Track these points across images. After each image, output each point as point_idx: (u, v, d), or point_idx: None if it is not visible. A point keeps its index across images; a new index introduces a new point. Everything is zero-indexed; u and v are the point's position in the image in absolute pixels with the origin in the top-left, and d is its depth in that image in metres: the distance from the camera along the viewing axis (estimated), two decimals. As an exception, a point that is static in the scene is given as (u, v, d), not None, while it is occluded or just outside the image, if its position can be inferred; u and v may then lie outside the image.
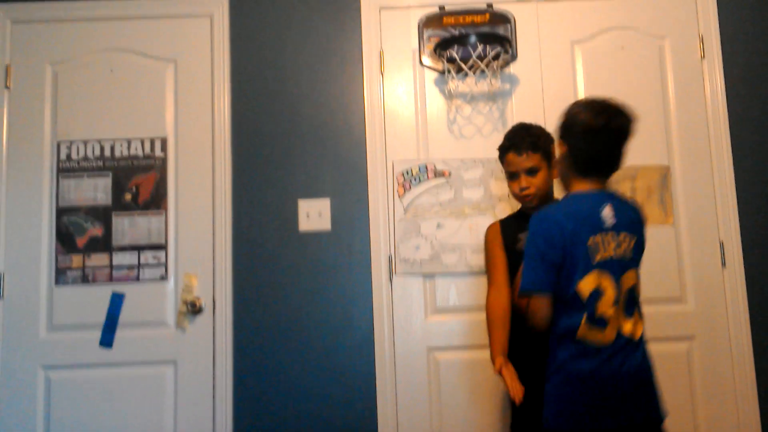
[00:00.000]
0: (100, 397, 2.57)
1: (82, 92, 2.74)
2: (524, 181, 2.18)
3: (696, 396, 2.61)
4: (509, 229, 2.27)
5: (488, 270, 2.26)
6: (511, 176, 2.22)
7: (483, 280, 2.64)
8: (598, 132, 1.73)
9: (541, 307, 1.72)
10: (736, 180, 2.71)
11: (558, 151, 1.81)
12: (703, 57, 2.79)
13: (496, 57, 2.66)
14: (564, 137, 1.78)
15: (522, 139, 2.19)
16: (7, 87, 2.73)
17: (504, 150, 2.24)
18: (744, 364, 2.61)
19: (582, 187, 1.77)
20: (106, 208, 2.68)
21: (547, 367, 1.75)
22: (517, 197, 2.23)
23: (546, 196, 2.21)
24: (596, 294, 1.68)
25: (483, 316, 2.62)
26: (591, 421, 1.65)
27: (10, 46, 2.76)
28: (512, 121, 2.75)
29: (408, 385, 2.62)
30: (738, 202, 2.69)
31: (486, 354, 2.62)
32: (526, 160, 2.17)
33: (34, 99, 2.74)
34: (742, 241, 2.67)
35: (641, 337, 1.75)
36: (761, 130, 2.75)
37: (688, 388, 2.61)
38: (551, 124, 2.72)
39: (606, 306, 1.68)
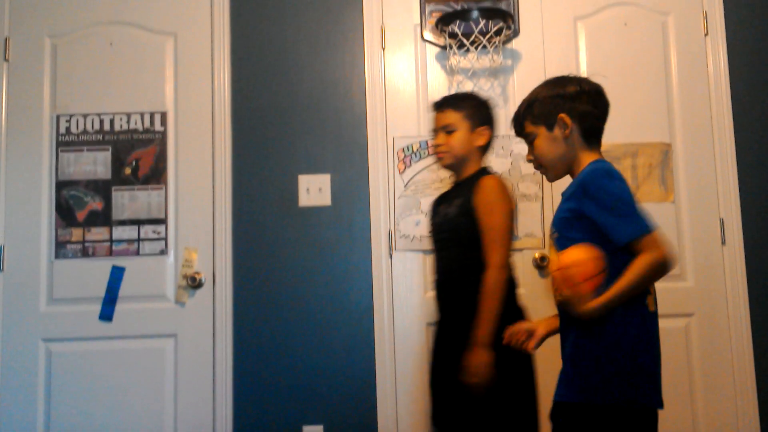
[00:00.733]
0: (101, 369, 2.58)
1: (81, 66, 2.73)
2: (439, 137, 2.13)
3: (694, 372, 2.63)
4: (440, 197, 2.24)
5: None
6: (434, 133, 2.18)
7: (483, 256, 2.65)
8: (603, 94, 1.71)
9: (662, 242, 1.54)
10: (737, 158, 2.70)
11: (559, 129, 1.69)
12: (706, 34, 2.77)
13: (498, 32, 2.64)
14: (570, 108, 1.68)
15: (446, 98, 2.21)
16: (6, 60, 2.72)
17: (432, 110, 2.21)
18: (742, 340, 2.62)
19: (594, 158, 1.69)
20: (106, 182, 2.67)
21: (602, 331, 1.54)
22: (434, 157, 2.23)
23: (461, 160, 2.11)
24: None
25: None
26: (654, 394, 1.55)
27: (8, 19, 2.73)
28: (514, 97, 2.74)
29: (407, 360, 2.63)
30: (739, 180, 2.69)
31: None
32: (445, 118, 2.12)
33: (33, 72, 2.72)
34: (743, 219, 2.67)
35: None
36: (764, 107, 2.74)
37: (686, 365, 2.63)
38: (553, 100, 2.72)
39: None
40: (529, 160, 1.75)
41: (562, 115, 1.67)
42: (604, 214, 1.56)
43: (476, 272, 1.98)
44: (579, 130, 1.68)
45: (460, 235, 2.06)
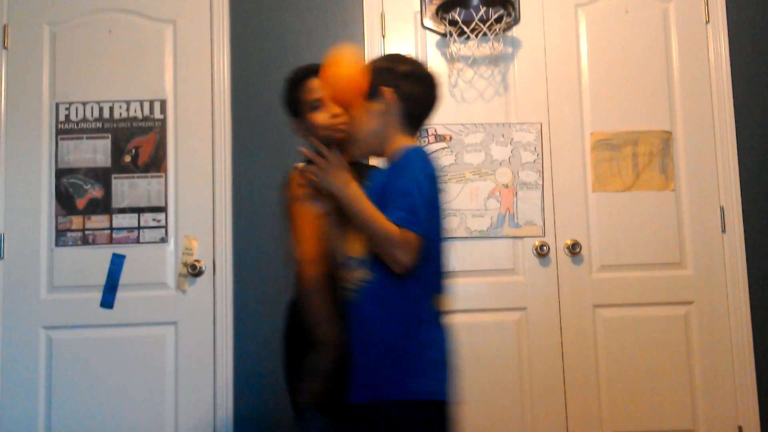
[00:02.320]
0: (102, 356, 2.59)
1: (80, 53, 2.72)
2: (335, 108, 1.77)
3: (693, 359, 2.63)
4: None
5: (299, 227, 1.81)
6: (314, 107, 1.85)
7: (483, 244, 2.65)
8: (435, 85, 1.61)
9: (416, 249, 1.44)
10: (737, 146, 2.69)
11: (378, 102, 1.56)
12: (707, 21, 2.76)
13: (498, 20, 2.63)
14: (397, 84, 1.56)
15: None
16: (4, 47, 2.71)
17: (302, 76, 1.89)
18: (742, 328, 2.63)
19: (409, 143, 1.58)
20: (106, 169, 2.67)
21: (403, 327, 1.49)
22: (327, 129, 1.83)
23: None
24: None
25: (484, 279, 2.65)
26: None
27: (7, 6, 2.72)
28: (514, 85, 2.73)
29: (407, 348, 2.63)
30: (739, 168, 2.68)
31: (486, 317, 2.65)
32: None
33: (32, 60, 2.71)
34: (743, 207, 2.67)
35: None
36: (764, 95, 2.73)
37: (686, 352, 2.63)
38: (553, 87, 2.71)
39: None
40: (337, 114, 1.61)
41: (386, 88, 1.55)
42: (396, 190, 1.46)
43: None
44: (400, 111, 1.56)
45: None
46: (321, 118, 1.84)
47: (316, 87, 1.83)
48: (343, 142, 1.74)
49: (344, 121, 1.73)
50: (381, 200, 1.48)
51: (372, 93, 1.56)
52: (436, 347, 1.54)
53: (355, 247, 1.53)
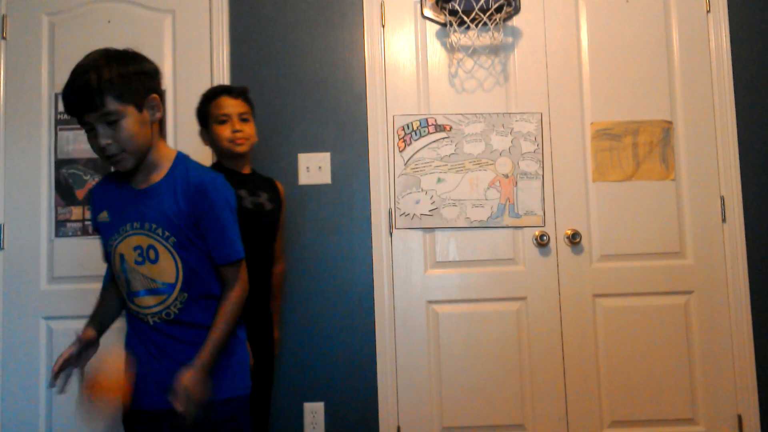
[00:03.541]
0: (101, 346, 2.58)
1: (79, 44, 2.71)
2: (238, 124, 2.14)
3: (693, 349, 2.63)
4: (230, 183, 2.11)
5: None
6: (221, 121, 2.15)
7: (484, 234, 2.65)
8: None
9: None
10: (738, 135, 2.69)
11: (148, 111, 1.57)
12: (708, 11, 2.75)
13: (498, 9, 2.62)
14: (157, 89, 1.62)
15: (234, 87, 2.23)
16: (3, 38, 2.70)
17: (215, 94, 2.20)
18: (742, 318, 2.63)
19: (171, 149, 1.68)
20: (105, 160, 2.66)
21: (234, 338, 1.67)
22: (228, 141, 2.13)
23: (251, 150, 2.21)
24: None
25: (484, 269, 2.66)
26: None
27: (5, -4, 2.72)
28: (514, 74, 2.73)
29: (407, 338, 2.64)
30: (739, 158, 2.68)
31: (487, 307, 2.66)
32: (240, 106, 2.17)
33: (30, 50, 2.70)
34: (743, 197, 2.67)
35: None
36: (765, 86, 2.72)
37: (685, 342, 2.63)
38: (554, 77, 2.71)
39: None
40: (108, 145, 1.48)
41: (155, 96, 1.55)
42: (217, 225, 1.57)
43: (270, 266, 2.22)
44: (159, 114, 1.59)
45: (274, 230, 2.25)
46: (225, 131, 2.14)
47: (224, 104, 2.15)
48: (243, 154, 2.15)
49: (244, 137, 2.13)
50: (190, 219, 1.56)
51: (140, 102, 1.51)
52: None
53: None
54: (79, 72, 1.48)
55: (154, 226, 1.55)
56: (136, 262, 1.56)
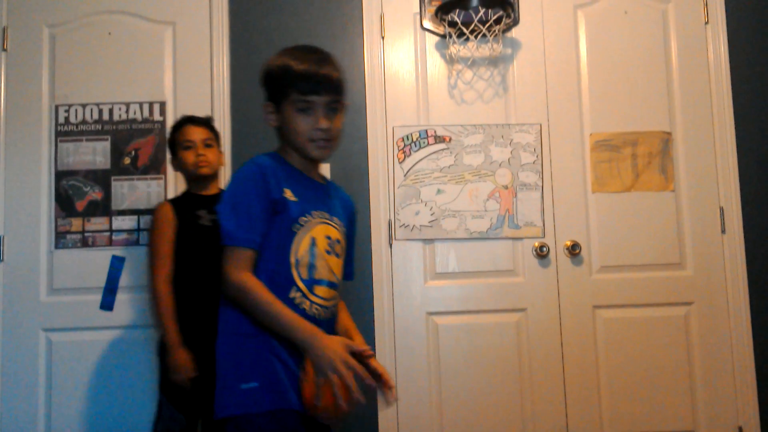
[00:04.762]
0: (102, 358, 2.58)
1: (79, 55, 2.72)
2: (201, 149, 2.30)
3: (693, 360, 2.63)
4: (185, 206, 2.30)
5: (157, 252, 2.25)
6: (186, 147, 2.31)
7: (483, 245, 2.65)
8: None
9: None
10: (737, 146, 2.70)
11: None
12: (707, 22, 2.76)
13: (498, 21, 2.63)
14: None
15: (198, 117, 2.38)
16: (4, 49, 2.71)
17: (180, 123, 2.35)
18: (742, 329, 2.62)
19: None
20: (105, 171, 2.67)
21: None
22: (192, 165, 2.30)
23: (214, 174, 2.36)
24: None
25: (484, 280, 2.66)
26: None
27: (6, 8, 2.72)
28: (514, 86, 2.74)
29: (407, 350, 2.63)
30: (739, 169, 2.68)
31: (487, 318, 2.65)
32: (203, 132, 2.33)
33: (31, 62, 2.71)
34: (742, 208, 2.67)
35: None
36: (764, 96, 2.73)
37: (685, 353, 2.63)
38: (553, 88, 2.72)
39: None
40: (326, 129, 1.53)
41: None
42: (352, 247, 1.71)
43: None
44: None
45: None
46: (189, 156, 2.30)
47: (189, 132, 2.32)
48: (206, 177, 2.32)
49: (205, 161, 2.29)
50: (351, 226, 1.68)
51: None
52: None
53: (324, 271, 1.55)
54: (325, 54, 1.58)
55: (340, 222, 1.60)
56: (326, 251, 1.54)
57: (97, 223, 2.64)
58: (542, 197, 2.67)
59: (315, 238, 1.52)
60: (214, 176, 2.36)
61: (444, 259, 2.67)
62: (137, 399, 2.56)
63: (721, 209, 2.68)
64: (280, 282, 1.47)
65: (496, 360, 2.63)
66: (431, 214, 2.67)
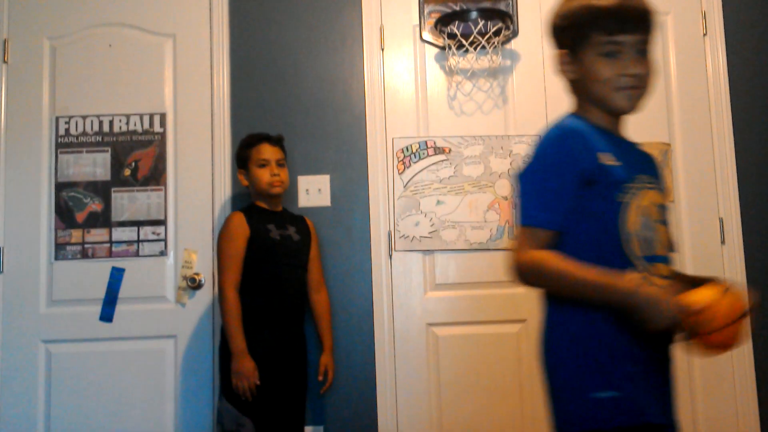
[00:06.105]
0: (101, 370, 2.58)
1: (80, 67, 2.73)
2: (276, 169, 2.40)
3: (693, 371, 2.63)
4: (257, 219, 2.39)
5: (228, 259, 2.31)
6: (260, 165, 2.40)
7: (483, 256, 2.65)
8: None
9: None
10: (736, 157, 2.70)
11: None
12: (705, 33, 2.77)
13: (497, 33, 2.64)
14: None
15: (273, 136, 2.47)
16: (5, 62, 2.72)
17: (257, 140, 2.44)
18: (742, 340, 2.62)
19: None
20: (105, 183, 2.67)
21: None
22: (267, 184, 2.39)
23: (284, 193, 2.47)
24: None
25: (484, 291, 2.66)
26: None
27: (7, 21, 2.73)
28: (513, 97, 2.74)
29: (407, 361, 2.63)
30: (738, 180, 2.69)
31: (487, 329, 2.65)
32: (278, 153, 2.43)
33: (32, 74, 2.72)
34: (742, 219, 2.68)
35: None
36: (763, 107, 2.74)
37: (685, 365, 2.62)
38: (552, 100, 2.73)
39: None
40: (637, 73, 1.31)
41: None
42: None
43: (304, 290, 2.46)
44: None
45: (304, 257, 2.46)
46: (264, 175, 2.39)
47: (265, 150, 2.41)
48: (278, 195, 2.43)
49: (281, 180, 2.41)
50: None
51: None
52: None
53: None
54: None
55: (663, 187, 1.37)
56: (659, 221, 1.31)
57: (97, 234, 2.64)
58: (542, 208, 2.67)
59: (646, 207, 1.30)
60: (283, 194, 2.48)
61: (444, 270, 2.67)
62: (137, 411, 2.56)
63: (721, 220, 2.68)
64: (613, 262, 1.23)
65: (496, 371, 2.62)
66: (431, 225, 2.67)
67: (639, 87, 1.31)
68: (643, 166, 1.37)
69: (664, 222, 1.33)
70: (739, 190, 2.68)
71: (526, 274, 1.27)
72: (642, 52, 1.31)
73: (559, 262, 1.23)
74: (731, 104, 2.72)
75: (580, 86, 1.37)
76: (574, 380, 1.24)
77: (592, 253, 1.25)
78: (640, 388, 1.23)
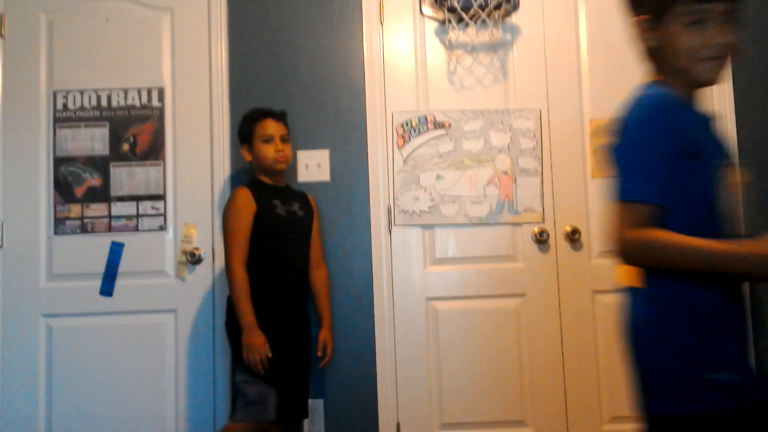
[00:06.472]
0: (102, 344, 2.59)
1: (77, 41, 2.71)
2: (281, 145, 2.38)
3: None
4: (262, 194, 2.36)
5: (235, 234, 2.28)
6: (265, 141, 2.37)
7: (483, 231, 2.66)
8: None
9: None
10: (737, 131, 2.70)
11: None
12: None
13: (497, 6, 2.63)
14: None
15: (276, 111, 2.43)
16: (1, 36, 2.69)
17: (260, 115, 2.41)
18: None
19: None
20: (104, 158, 2.66)
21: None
22: (272, 160, 2.36)
23: (287, 168, 2.45)
24: None
25: (483, 266, 2.66)
26: None
27: (3, -6, 2.71)
28: (513, 71, 2.73)
29: (407, 335, 2.64)
30: (739, 152, 2.68)
31: (486, 303, 2.66)
32: (282, 128, 2.41)
33: (29, 48, 2.70)
34: (743, 219, 2.66)
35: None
36: (763, 84, 2.73)
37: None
38: (553, 74, 2.71)
39: None
40: (725, 43, 1.24)
41: None
42: None
43: (306, 266, 2.45)
44: None
45: (307, 234, 2.45)
46: (269, 151, 2.36)
47: (269, 126, 2.38)
48: (282, 172, 2.42)
49: (286, 156, 2.38)
50: None
51: None
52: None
53: None
54: None
55: (734, 163, 1.32)
56: (738, 201, 1.29)
57: (96, 209, 2.64)
58: (542, 183, 2.67)
59: (734, 184, 1.27)
60: (287, 170, 2.46)
61: (443, 245, 2.67)
62: (138, 384, 2.57)
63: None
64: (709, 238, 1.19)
65: (495, 345, 2.63)
66: (431, 200, 2.67)
67: (723, 57, 1.25)
68: (721, 141, 1.32)
69: (738, 203, 1.30)
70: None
71: (637, 252, 1.20)
72: (730, 20, 1.23)
73: (676, 236, 1.18)
74: (733, 80, 2.71)
75: (660, 55, 1.30)
76: (684, 360, 1.19)
77: (690, 229, 1.19)
78: (748, 367, 1.20)
